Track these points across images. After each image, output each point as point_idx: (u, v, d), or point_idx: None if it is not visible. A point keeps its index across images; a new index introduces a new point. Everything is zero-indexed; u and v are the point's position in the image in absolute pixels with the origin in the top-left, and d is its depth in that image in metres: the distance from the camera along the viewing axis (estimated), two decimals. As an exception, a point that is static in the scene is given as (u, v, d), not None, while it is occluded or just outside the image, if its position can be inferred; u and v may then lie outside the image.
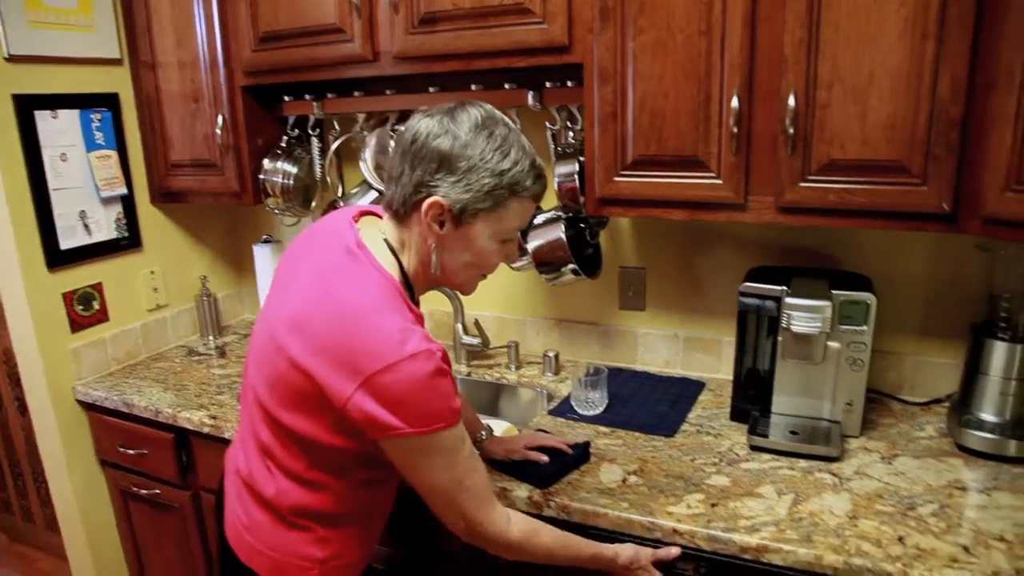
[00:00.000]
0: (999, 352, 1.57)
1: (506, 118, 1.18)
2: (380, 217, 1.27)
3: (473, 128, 1.12)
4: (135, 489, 2.17)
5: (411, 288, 1.22)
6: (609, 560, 1.33)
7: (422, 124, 1.14)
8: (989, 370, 1.59)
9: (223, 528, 1.33)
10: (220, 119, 2.09)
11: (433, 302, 2.35)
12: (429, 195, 1.12)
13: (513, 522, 1.23)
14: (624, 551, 1.35)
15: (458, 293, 2.18)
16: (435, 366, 1.07)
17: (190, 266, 2.54)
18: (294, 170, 2.19)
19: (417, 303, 1.23)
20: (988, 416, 1.60)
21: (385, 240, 1.21)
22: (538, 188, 1.19)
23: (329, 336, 1.09)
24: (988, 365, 1.59)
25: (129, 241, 2.29)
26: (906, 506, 1.39)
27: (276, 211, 2.25)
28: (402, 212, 1.17)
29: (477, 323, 2.15)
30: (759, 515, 1.37)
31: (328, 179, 2.20)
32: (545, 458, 1.55)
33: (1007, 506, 1.38)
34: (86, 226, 2.16)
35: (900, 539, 1.29)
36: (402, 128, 1.18)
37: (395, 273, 1.17)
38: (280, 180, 2.18)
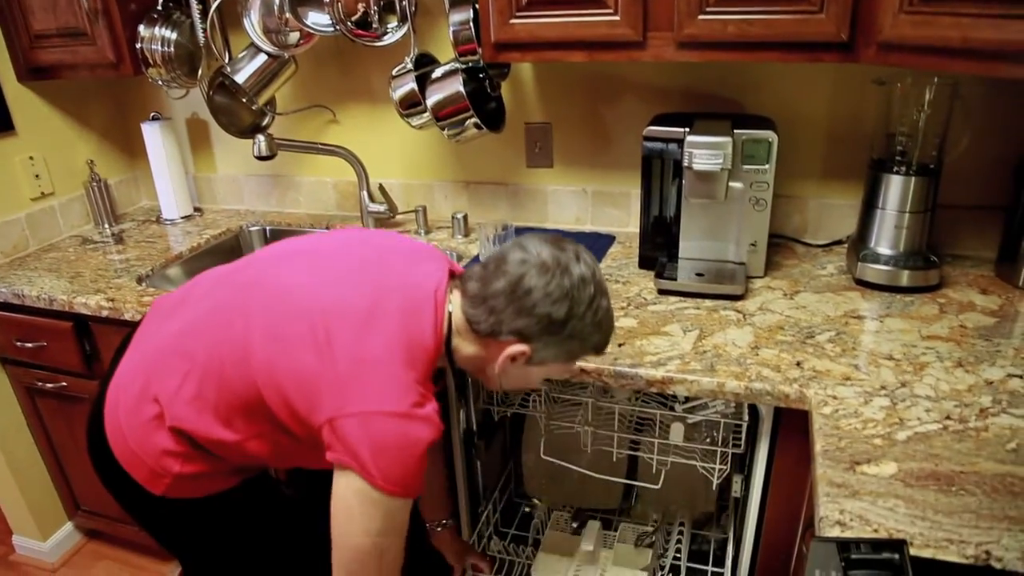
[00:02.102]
0: (895, 186, 1.61)
1: (605, 280, 1.15)
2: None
3: (588, 301, 1.10)
4: (40, 384, 2.09)
5: (451, 358, 1.20)
6: None
7: (540, 281, 1.08)
8: (886, 204, 1.63)
9: (105, 387, 1.25)
10: (83, -20, 1.90)
11: (336, 171, 2.28)
12: (519, 344, 1.11)
13: None
14: None
15: (360, 159, 2.12)
16: (431, 438, 1.06)
17: (74, 150, 2.37)
18: (174, 36, 2.03)
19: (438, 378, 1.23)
20: (884, 250, 1.65)
21: (450, 313, 1.17)
22: (605, 349, 1.21)
23: (363, 348, 1.06)
24: (884, 200, 1.63)
25: (-2, 124, 2.12)
26: (805, 335, 1.44)
27: (160, 82, 2.09)
28: (482, 333, 1.13)
29: (383, 189, 2.09)
30: (665, 351, 1.40)
31: (212, 45, 2.05)
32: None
33: (897, 330, 1.45)
34: (-54, 107, 1.97)
35: (798, 364, 1.34)
36: (504, 261, 1.11)
37: (442, 337, 1.15)
38: (160, 48, 2.02)
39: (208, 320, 1.17)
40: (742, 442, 1.51)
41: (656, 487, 1.66)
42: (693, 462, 1.58)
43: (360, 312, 1.09)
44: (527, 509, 2.06)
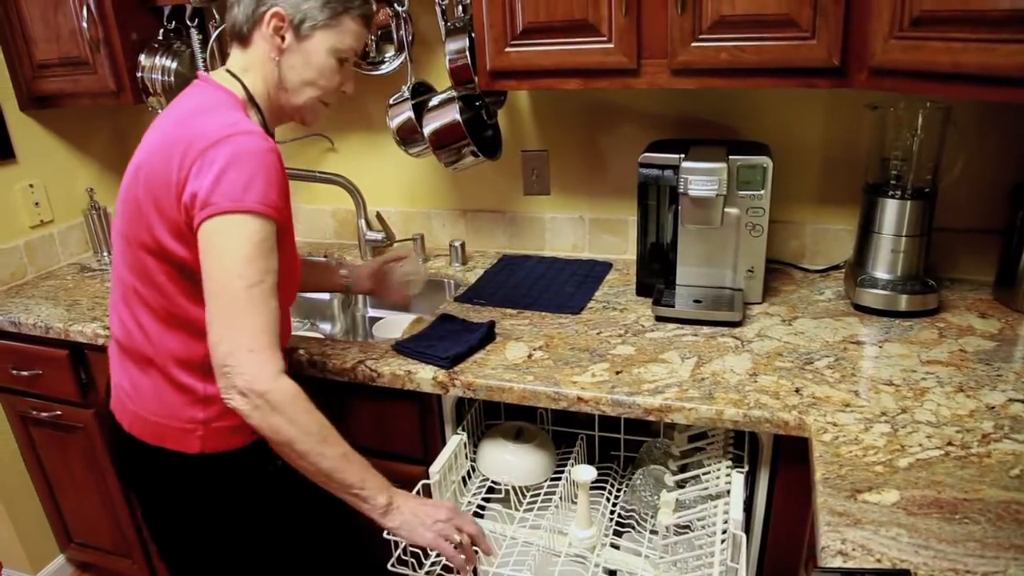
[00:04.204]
0: (890, 210, 1.61)
1: None
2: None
3: None
4: (35, 413, 2.07)
5: (261, 114, 1.28)
6: (380, 506, 1.15)
7: None
8: (881, 228, 1.63)
9: (109, 403, 1.33)
10: (85, 11, 1.92)
11: (334, 199, 2.28)
12: (270, 8, 1.19)
13: (286, 379, 1.09)
14: (400, 504, 1.17)
15: (357, 188, 2.12)
16: (269, 146, 1.12)
17: (74, 178, 2.38)
18: (174, 65, 2.04)
19: (271, 135, 1.28)
20: (881, 274, 1.64)
21: (228, 70, 1.25)
22: (367, 9, 1.28)
23: (168, 135, 1.15)
24: (880, 224, 1.63)
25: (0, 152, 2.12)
26: (804, 361, 1.43)
27: (160, 111, 2.11)
28: (245, 32, 1.22)
29: (380, 216, 2.09)
30: (663, 378, 1.39)
31: (212, 74, 2.07)
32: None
33: (896, 355, 1.44)
34: (-54, 136, 1.98)
35: (797, 390, 1.33)
36: None
37: (239, 93, 1.23)
38: (160, 77, 2.04)
39: (113, 271, 1.29)
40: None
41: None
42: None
43: (161, 124, 1.20)
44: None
